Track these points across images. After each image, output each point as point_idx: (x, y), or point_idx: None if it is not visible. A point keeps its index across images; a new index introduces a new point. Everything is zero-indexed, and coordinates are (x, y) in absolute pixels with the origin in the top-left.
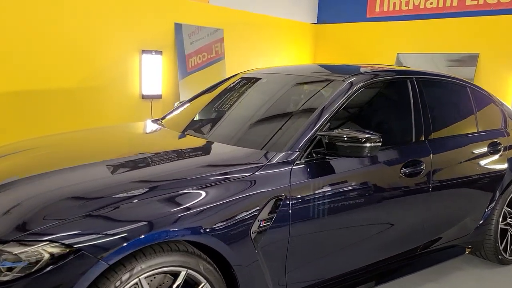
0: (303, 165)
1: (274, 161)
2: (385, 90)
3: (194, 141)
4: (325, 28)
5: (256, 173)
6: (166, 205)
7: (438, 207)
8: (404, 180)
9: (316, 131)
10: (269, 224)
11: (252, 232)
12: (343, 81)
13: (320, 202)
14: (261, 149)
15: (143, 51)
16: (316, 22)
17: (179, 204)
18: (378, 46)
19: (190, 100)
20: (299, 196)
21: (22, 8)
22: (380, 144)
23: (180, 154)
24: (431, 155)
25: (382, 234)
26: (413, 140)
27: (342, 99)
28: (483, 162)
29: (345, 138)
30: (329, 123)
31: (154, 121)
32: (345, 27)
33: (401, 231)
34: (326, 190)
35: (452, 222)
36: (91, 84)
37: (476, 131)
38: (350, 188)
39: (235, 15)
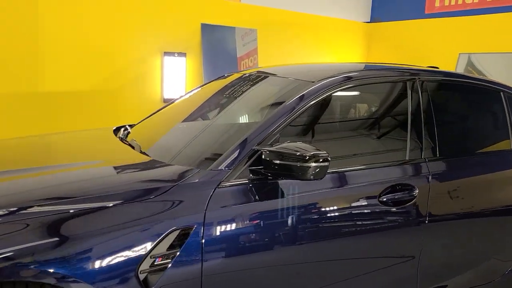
0: (234, 187)
1: (189, 181)
2: (370, 95)
3: (123, 155)
4: (378, 27)
5: (156, 196)
6: (18, 233)
7: (437, 244)
8: (385, 209)
9: (254, 144)
10: (169, 262)
11: (141, 272)
12: (312, 83)
13: (250, 236)
14: (195, 166)
15: (165, 53)
16: (369, 20)
17: (37, 232)
18: (438, 45)
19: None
20: (219, 227)
21: (42, 9)
22: (327, 164)
23: (81, 168)
24: (430, 178)
25: (350, 282)
26: (407, 158)
27: (299, 106)
28: None
29: (283, 155)
30: (278, 135)
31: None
32: (401, 25)
33: (377, 277)
34: (262, 220)
35: (463, 265)
36: (110, 86)
37: (510, 148)
38: (299, 218)
39: (270, 14)
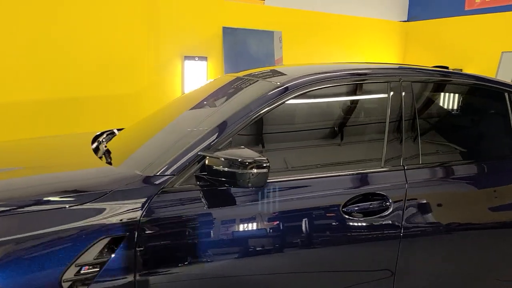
0: (177, 194)
1: (128, 187)
2: (342, 97)
3: (79, 159)
4: (416, 26)
5: (87, 203)
6: None
7: (415, 261)
8: (350, 220)
9: (202, 148)
10: (98, 271)
11: (64, 281)
12: (278, 85)
13: (189, 246)
14: (142, 172)
15: (186, 57)
16: (406, 19)
17: None
18: (479, 43)
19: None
20: (155, 235)
21: (61, 16)
22: (266, 171)
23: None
24: (407, 188)
25: None
26: (382, 165)
27: (256, 110)
28: None
29: (224, 161)
30: (230, 139)
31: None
32: (439, 23)
33: None
34: (204, 230)
35: (448, 285)
36: (131, 91)
37: None
38: (246, 229)
39: (296, 15)
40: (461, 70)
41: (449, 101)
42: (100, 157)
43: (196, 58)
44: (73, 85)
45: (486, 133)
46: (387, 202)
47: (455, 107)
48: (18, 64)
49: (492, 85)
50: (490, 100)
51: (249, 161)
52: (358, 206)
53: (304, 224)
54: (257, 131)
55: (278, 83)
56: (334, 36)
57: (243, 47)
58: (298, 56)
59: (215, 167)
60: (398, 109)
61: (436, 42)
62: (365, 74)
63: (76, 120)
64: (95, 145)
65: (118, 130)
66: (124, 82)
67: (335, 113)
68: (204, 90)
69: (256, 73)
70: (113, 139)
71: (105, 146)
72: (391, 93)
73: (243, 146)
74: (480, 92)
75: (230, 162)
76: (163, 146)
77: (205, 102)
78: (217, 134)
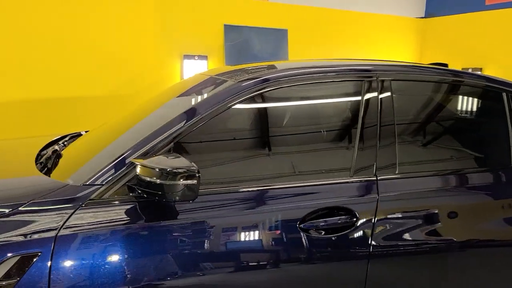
0: (105, 205)
1: (46, 199)
2: (305, 98)
3: (19, 168)
4: (434, 22)
5: None
6: None
7: (384, 284)
8: (308, 238)
9: (135, 156)
10: None
11: None
12: (236, 83)
13: (111, 264)
14: (73, 181)
15: (185, 56)
16: (423, 16)
17: None
18: (500, 40)
19: None
20: (74, 252)
21: (57, 15)
22: (194, 182)
23: None
24: (378, 200)
25: None
26: (351, 175)
27: (204, 113)
28: None
29: (149, 169)
30: (171, 145)
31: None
32: (458, 19)
33: None
34: (131, 247)
35: None
36: (128, 91)
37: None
38: (178, 249)
39: (302, 12)
40: (481, 69)
41: (434, 102)
42: (45, 165)
43: (196, 57)
44: (71, 85)
45: (477, 139)
46: (353, 218)
47: (442, 109)
48: (18, 63)
49: (488, 84)
50: (484, 101)
51: (174, 170)
52: (318, 222)
53: (250, 243)
54: (202, 137)
55: (231, 84)
56: (346, 34)
57: (246, 45)
58: (305, 56)
59: (142, 177)
60: (373, 111)
61: (455, 39)
62: (334, 71)
63: (76, 119)
64: (51, 150)
65: (86, 132)
66: (123, 82)
67: (297, 116)
68: (168, 92)
69: (230, 71)
70: (72, 144)
71: (59, 152)
72: (366, 93)
73: (176, 154)
74: (473, 92)
75: (158, 172)
76: (102, 153)
77: (162, 106)
78: (153, 140)
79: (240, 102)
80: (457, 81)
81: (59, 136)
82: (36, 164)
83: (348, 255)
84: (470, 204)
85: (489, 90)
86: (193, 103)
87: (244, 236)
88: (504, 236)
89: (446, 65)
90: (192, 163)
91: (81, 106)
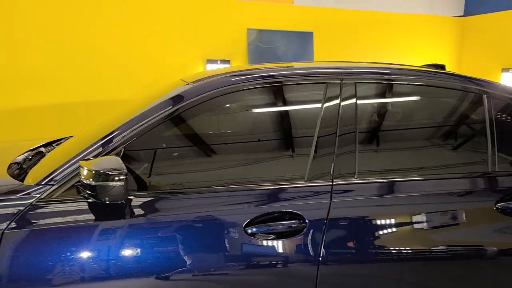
0: (56, 205)
1: None
2: (264, 101)
3: None
4: (473, 21)
5: None
6: None
7: None
8: (253, 242)
9: (83, 156)
10: None
11: None
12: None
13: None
14: (30, 182)
15: (208, 61)
16: (462, 14)
17: None
18: None
19: None
20: (21, 251)
21: (81, 20)
22: (121, 184)
23: None
24: (330, 206)
25: None
26: (305, 179)
27: (153, 117)
28: (495, 228)
29: (85, 170)
30: (121, 148)
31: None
32: (500, 17)
33: None
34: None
35: None
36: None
37: (488, 171)
38: (120, 251)
39: (331, 14)
40: None
41: (403, 106)
42: (24, 168)
43: (219, 62)
44: (95, 89)
45: (448, 145)
46: (303, 223)
47: (410, 113)
48: (35, 67)
49: (466, 85)
50: (460, 104)
51: (102, 171)
52: (265, 226)
53: (192, 246)
54: (151, 142)
55: (184, 88)
56: (378, 36)
57: (269, 49)
58: (329, 58)
59: (82, 178)
60: (333, 115)
61: (496, 38)
62: (293, 75)
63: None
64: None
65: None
66: (147, 87)
67: (252, 120)
68: (142, 98)
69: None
70: (56, 147)
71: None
72: (327, 95)
73: (115, 157)
74: (448, 94)
75: (93, 173)
76: (61, 155)
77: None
78: (104, 142)
79: (190, 106)
80: (430, 83)
81: (52, 140)
82: (18, 167)
83: (297, 261)
84: (430, 212)
85: (467, 92)
86: (146, 108)
87: (188, 239)
88: (464, 247)
89: (443, 66)
90: (122, 165)
91: (105, 110)
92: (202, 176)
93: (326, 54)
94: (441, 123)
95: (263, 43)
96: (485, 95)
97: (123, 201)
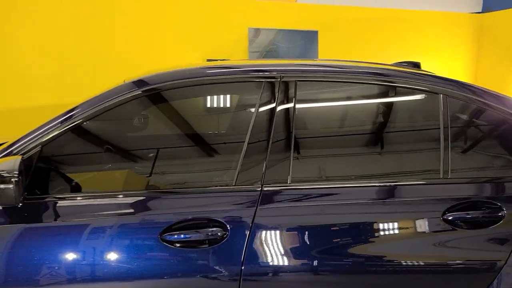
0: None
1: None
2: (190, 101)
3: None
4: (492, 18)
5: None
6: None
7: None
8: (170, 250)
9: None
10: None
11: None
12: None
13: None
14: None
15: (208, 60)
16: (481, 10)
17: None
18: None
19: None
20: None
21: (80, 20)
22: (10, 187)
23: None
24: (255, 213)
25: None
26: (233, 184)
27: (76, 117)
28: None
29: None
30: (39, 147)
31: None
32: None
33: None
34: None
35: None
36: None
37: (440, 178)
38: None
39: (337, 12)
40: None
41: (349, 107)
42: None
43: (219, 61)
44: (94, 89)
45: (400, 150)
46: (225, 230)
47: (358, 115)
48: (44, 68)
49: (421, 84)
50: (413, 105)
51: None
52: (183, 233)
53: (105, 253)
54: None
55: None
56: (389, 35)
57: (271, 48)
58: (335, 57)
59: None
60: (267, 115)
61: None
62: (229, 73)
63: None
64: None
65: None
66: None
67: (181, 120)
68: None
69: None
70: None
71: None
72: (263, 94)
73: (16, 157)
74: (402, 94)
75: None
76: None
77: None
78: (21, 142)
79: (116, 105)
80: (379, 81)
81: None
82: None
83: (217, 270)
84: (366, 221)
85: (420, 91)
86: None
87: (101, 246)
88: (400, 259)
89: (418, 64)
90: (16, 167)
91: None
92: (117, 179)
93: (332, 54)
94: (389, 125)
95: (261, 43)
96: (442, 95)
97: (19, 204)
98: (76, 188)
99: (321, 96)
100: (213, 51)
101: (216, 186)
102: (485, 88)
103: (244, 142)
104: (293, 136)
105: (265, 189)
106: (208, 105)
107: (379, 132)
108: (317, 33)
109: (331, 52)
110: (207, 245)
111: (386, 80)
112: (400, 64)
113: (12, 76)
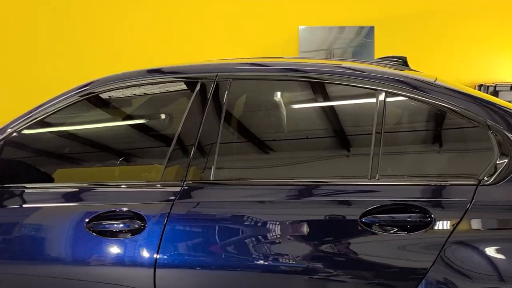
0: None
1: None
2: (134, 100)
3: None
4: None
5: None
6: None
7: None
8: (95, 239)
9: None
10: None
11: None
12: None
13: None
14: None
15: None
16: None
17: None
18: None
19: None
20: None
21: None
22: None
23: None
24: (171, 207)
25: None
26: (159, 179)
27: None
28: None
29: None
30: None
31: None
32: None
33: None
34: None
35: None
36: None
37: (367, 179)
38: None
39: (397, 5)
40: None
41: (275, 104)
42: None
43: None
44: None
45: (329, 148)
46: (144, 223)
47: (279, 111)
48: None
49: (359, 81)
50: (348, 101)
51: None
52: (107, 223)
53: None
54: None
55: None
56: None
57: (324, 47)
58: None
59: None
60: (197, 112)
61: None
62: (165, 73)
63: None
64: None
65: None
66: None
67: (117, 119)
68: None
69: None
70: None
71: None
72: (196, 92)
73: None
74: (339, 91)
75: None
76: None
77: None
78: None
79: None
80: (318, 78)
81: None
82: None
83: (134, 259)
84: (281, 221)
85: (359, 88)
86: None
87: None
88: (307, 261)
89: (404, 58)
90: None
91: None
92: (58, 173)
93: (391, 50)
94: (319, 123)
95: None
96: (380, 93)
97: None
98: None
99: (253, 95)
100: (263, 52)
101: (143, 181)
102: (439, 85)
103: (173, 139)
104: (219, 135)
105: (186, 185)
106: (149, 104)
107: (310, 130)
108: (374, 29)
109: (389, 49)
110: (127, 236)
111: (311, 77)
112: (383, 59)
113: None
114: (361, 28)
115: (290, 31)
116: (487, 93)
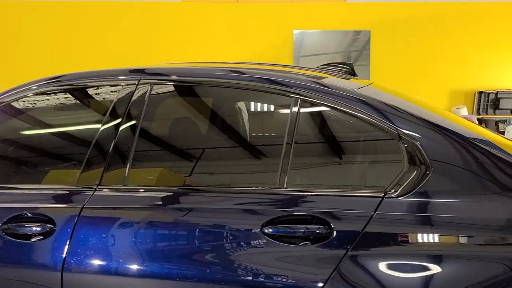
0: None
1: None
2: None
3: None
4: None
5: None
6: None
7: None
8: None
9: None
10: None
11: None
12: None
13: None
14: None
15: None
16: None
17: None
18: None
19: None
20: None
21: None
22: None
23: None
24: (82, 209)
25: None
26: (75, 182)
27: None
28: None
29: None
30: None
31: None
32: None
33: None
34: None
35: None
36: None
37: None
38: None
39: (394, 10)
40: None
41: (197, 111)
42: None
43: None
44: None
45: (239, 156)
46: (52, 226)
47: (204, 119)
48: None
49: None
50: (265, 107)
51: None
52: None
53: None
54: None
55: None
56: (464, 32)
57: (318, 51)
58: (387, 58)
59: None
60: (116, 116)
61: None
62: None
63: None
64: None
65: None
66: None
67: (52, 120)
68: None
69: None
70: None
71: None
72: (118, 97)
73: None
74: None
75: None
76: None
77: None
78: None
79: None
80: (234, 85)
81: None
82: None
83: (41, 264)
84: (176, 226)
85: (276, 94)
86: None
87: None
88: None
89: (350, 65)
90: None
91: None
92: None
93: (386, 55)
94: (234, 129)
95: (307, 46)
96: (294, 99)
97: None
98: None
99: (171, 100)
100: (257, 56)
101: (59, 185)
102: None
103: (91, 144)
104: (135, 141)
105: (99, 189)
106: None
107: (223, 136)
108: (369, 33)
109: (386, 53)
110: (38, 239)
111: (242, 82)
112: (328, 66)
113: None
114: (357, 32)
115: (284, 35)
116: (488, 100)
